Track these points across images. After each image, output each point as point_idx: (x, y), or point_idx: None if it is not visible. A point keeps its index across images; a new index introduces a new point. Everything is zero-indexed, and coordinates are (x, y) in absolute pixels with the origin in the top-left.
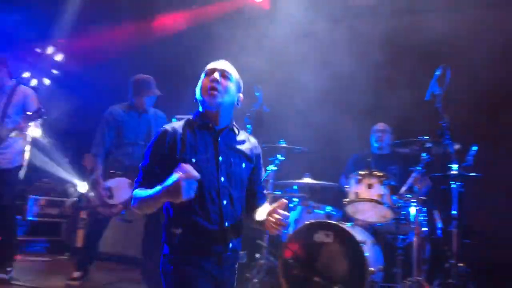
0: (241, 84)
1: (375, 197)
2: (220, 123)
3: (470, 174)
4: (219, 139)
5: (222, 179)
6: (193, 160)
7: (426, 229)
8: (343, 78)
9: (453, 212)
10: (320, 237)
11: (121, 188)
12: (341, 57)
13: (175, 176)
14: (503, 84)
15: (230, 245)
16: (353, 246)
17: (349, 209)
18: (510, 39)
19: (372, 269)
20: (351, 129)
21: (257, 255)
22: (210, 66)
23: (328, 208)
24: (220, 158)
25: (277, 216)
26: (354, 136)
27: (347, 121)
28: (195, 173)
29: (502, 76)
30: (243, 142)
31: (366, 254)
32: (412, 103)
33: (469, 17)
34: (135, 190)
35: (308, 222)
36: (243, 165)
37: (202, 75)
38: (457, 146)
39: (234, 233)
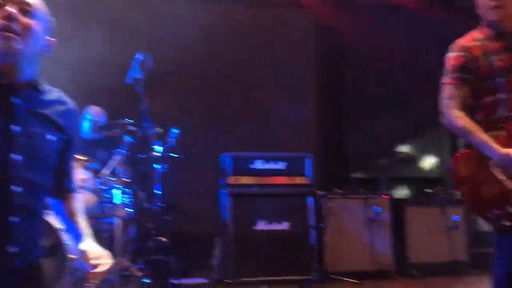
0: (51, 23)
1: (78, 182)
2: (19, 78)
3: (171, 155)
4: (16, 101)
5: (17, 157)
6: None
7: (131, 210)
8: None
9: (156, 191)
10: None
11: None
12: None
13: None
14: (207, 69)
15: (16, 259)
16: (53, 235)
17: None
18: (212, 32)
19: (73, 256)
20: None
21: None
22: None
23: None
24: (16, 128)
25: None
26: None
27: None
28: None
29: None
30: (52, 103)
31: (65, 242)
32: (116, 85)
33: (179, 9)
34: None
35: None
36: (50, 137)
37: None
38: (158, 129)
39: (26, 237)
